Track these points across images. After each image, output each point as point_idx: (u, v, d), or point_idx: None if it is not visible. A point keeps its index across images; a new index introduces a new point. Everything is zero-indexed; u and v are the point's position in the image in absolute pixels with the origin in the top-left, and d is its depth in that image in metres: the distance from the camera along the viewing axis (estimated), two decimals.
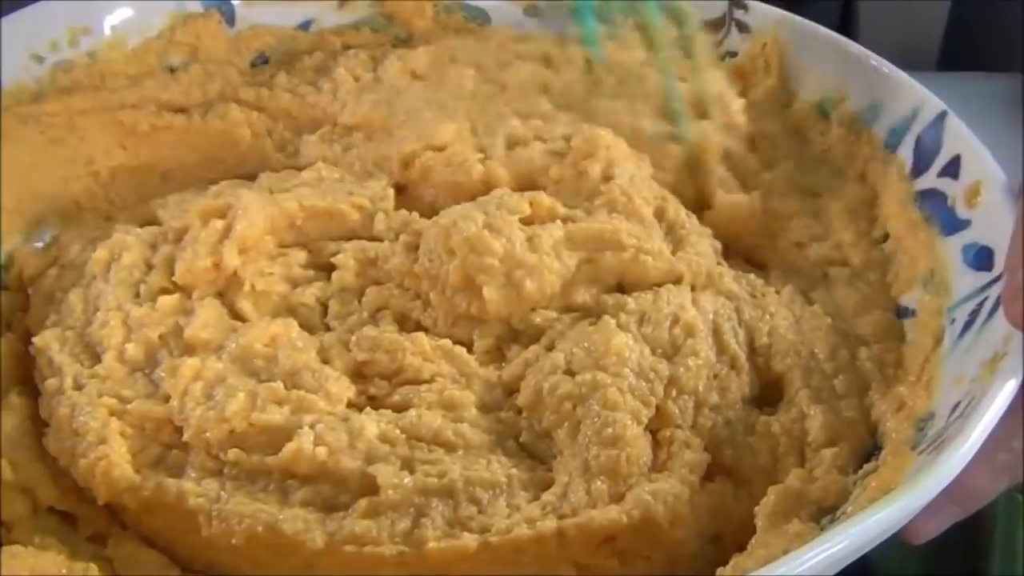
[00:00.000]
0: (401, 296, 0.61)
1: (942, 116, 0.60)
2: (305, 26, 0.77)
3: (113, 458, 0.52)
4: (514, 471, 0.52)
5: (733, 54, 0.72)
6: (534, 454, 0.55)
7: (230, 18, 0.75)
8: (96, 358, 0.58)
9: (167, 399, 0.56)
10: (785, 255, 0.65)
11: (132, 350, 0.58)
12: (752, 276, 0.63)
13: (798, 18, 0.69)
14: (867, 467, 0.51)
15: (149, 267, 0.63)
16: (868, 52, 0.66)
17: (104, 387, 0.56)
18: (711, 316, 0.59)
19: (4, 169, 0.66)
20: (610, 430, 0.52)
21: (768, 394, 0.58)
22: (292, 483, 0.52)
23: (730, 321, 0.59)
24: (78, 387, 0.57)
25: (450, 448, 0.53)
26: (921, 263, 0.59)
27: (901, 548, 0.49)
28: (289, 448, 0.52)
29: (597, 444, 0.52)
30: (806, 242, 0.65)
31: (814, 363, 0.57)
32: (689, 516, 0.50)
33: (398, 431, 0.53)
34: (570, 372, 0.55)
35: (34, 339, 0.60)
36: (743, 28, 0.71)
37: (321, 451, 0.51)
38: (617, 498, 0.50)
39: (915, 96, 0.62)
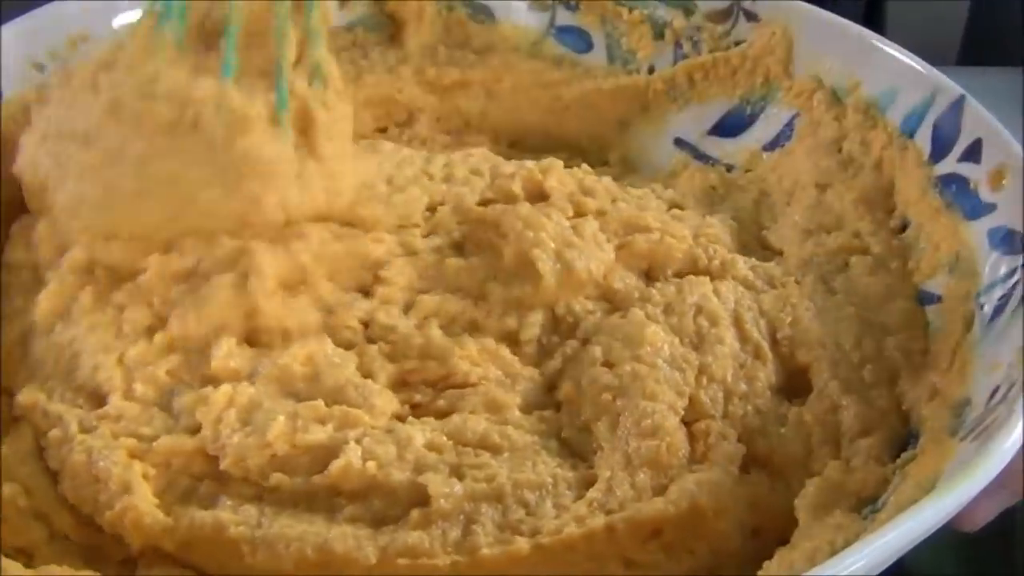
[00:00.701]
0: (453, 298, 0.59)
1: (960, 101, 0.60)
2: None
3: (142, 507, 0.50)
4: (559, 470, 0.52)
5: (741, 44, 0.71)
6: (576, 451, 0.54)
7: None
8: (96, 400, 0.56)
9: (193, 431, 0.53)
10: (802, 244, 0.64)
11: (141, 388, 0.55)
12: (771, 265, 0.63)
13: (807, 5, 0.69)
14: (905, 455, 0.51)
15: (118, 308, 0.58)
16: (880, 38, 0.66)
17: (119, 427, 0.54)
18: (732, 306, 0.59)
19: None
20: (648, 421, 0.52)
21: (793, 385, 0.58)
22: (338, 501, 0.51)
23: (750, 311, 0.59)
24: (87, 430, 0.54)
25: (496, 451, 0.53)
26: (945, 249, 0.59)
27: (936, 548, 0.49)
28: (337, 465, 0.51)
29: (636, 436, 0.52)
30: (813, 230, 0.64)
31: (840, 354, 0.57)
32: (732, 507, 0.50)
33: (444, 438, 0.53)
34: (608, 364, 0.56)
35: (17, 397, 0.56)
36: (751, 17, 0.70)
37: (371, 465, 0.50)
38: (660, 490, 0.51)
39: (931, 82, 0.62)
